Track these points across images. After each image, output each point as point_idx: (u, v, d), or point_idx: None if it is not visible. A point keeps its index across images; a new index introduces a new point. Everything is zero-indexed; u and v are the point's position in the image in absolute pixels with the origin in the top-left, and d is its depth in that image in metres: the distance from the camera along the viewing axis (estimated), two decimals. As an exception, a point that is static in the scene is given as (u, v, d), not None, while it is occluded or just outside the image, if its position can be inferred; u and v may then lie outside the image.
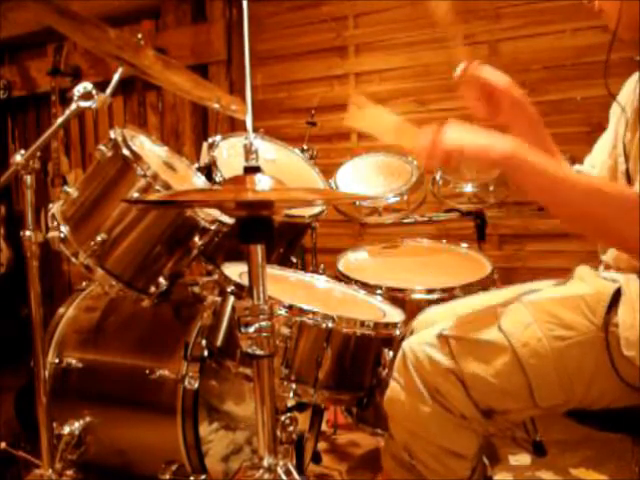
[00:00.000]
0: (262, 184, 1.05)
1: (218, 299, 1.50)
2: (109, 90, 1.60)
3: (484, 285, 1.75)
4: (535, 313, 1.18)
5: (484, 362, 1.14)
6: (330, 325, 1.34)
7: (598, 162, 1.37)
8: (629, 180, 1.21)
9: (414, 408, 1.17)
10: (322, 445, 2.27)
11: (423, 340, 1.21)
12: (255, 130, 1.20)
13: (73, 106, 1.58)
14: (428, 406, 1.15)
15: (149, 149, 1.73)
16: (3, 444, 1.86)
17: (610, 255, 1.29)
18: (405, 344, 1.24)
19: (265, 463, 1.10)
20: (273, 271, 1.68)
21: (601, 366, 1.13)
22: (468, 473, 1.19)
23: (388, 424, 1.24)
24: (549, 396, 1.15)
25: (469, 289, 1.70)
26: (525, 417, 1.37)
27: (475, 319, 1.23)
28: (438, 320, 1.28)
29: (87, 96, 1.57)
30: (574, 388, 1.15)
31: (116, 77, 1.63)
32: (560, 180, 1.08)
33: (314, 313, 1.34)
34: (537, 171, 1.08)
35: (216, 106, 1.83)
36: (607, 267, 1.31)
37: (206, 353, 1.50)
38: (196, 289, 1.79)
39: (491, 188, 2.30)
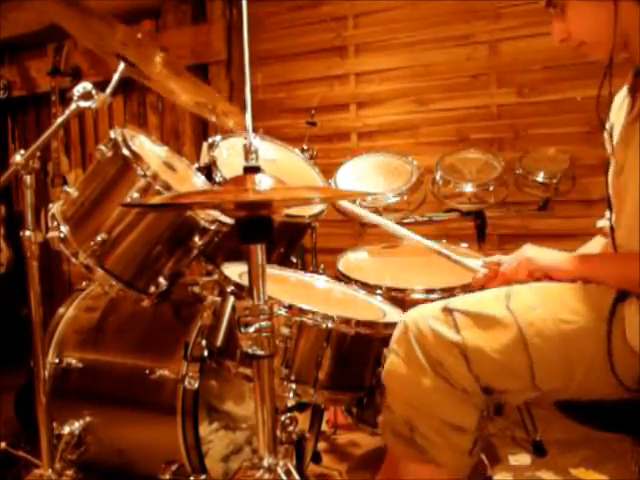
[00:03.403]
0: (262, 184, 1.05)
1: (218, 299, 1.50)
2: (109, 90, 1.60)
3: (484, 285, 1.74)
4: (542, 297, 1.19)
5: (489, 337, 1.14)
6: (330, 325, 1.34)
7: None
8: (612, 230, 1.24)
9: (415, 381, 1.16)
10: (322, 445, 2.27)
11: (427, 313, 1.19)
12: (255, 130, 1.19)
13: (73, 106, 1.58)
14: (430, 379, 1.15)
15: (149, 149, 1.73)
16: (3, 444, 1.85)
17: None
18: (406, 317, 1.22)
19: (265, 463, 1.10)
20: (273, 271, 1.68)
21: (599, 357, 1.14)
22: (470, 445, 1.18)
23: (387, 398, 1.23)
24: (549, 378, 1.16)
25: (469, 289, 1.69)
26: (522, 399, 1.37)
27: (482, 297, 1.23)
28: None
29: (87, 96, 1.57)
30: (573, 373, 1.15)
31: (116, 77, 1.63)
32: (590, 267, 1.24)
33: (314, 313, 1.34)
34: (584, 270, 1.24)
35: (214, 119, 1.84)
36: None
37: (206, 353, 1.50)
38: (196, 289, 1.79)
39: (491, 188, 2.30)
